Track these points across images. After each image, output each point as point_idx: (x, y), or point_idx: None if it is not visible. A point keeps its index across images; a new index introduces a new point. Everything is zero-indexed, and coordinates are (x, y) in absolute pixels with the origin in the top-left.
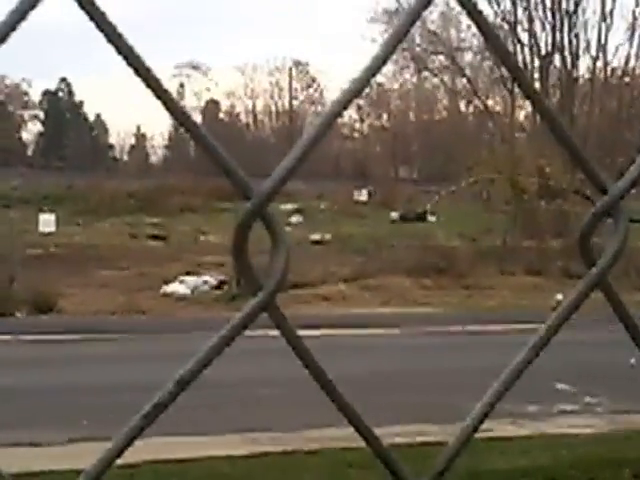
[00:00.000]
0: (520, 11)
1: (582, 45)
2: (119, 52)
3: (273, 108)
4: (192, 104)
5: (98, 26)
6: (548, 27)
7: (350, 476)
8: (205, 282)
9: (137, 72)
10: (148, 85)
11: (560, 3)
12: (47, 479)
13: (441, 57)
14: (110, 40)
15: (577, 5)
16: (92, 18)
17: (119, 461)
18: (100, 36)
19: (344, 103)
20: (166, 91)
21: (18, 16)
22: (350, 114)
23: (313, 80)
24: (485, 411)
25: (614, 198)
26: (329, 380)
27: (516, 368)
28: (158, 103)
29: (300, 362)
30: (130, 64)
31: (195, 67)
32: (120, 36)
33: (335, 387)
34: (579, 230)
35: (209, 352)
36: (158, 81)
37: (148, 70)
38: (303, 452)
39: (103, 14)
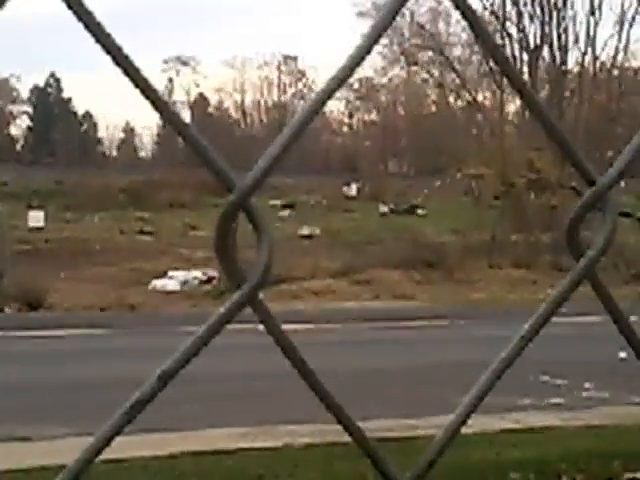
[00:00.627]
0: (509, 5)
1: (571, 39)
2: (107, 52)
3: (262, 103)
4: (181, 99)
5: (86, 26)
6: (537, 21)
7: (340, 470)
8: (194, 277)
9: (125, 72)
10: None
11: None
12: (37, 475)
13: (430, 51)
14: (98, 40)
15: None
16: (80, 18)
17: (109, 456)
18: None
19: (328, 92)
20: (153, 89)
21: None
22: (339, 108)
23: (302, 75)
24: (474, 403)
25: (602, 189)
26: (313, 375)
27: (505, 359)
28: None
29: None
30: (118, 64)
31: (184, 63)
32: (108, 36)
33: (319, 381)
34: (567, 221)
35: (191, 347)
36: (146, 80)
37: (136, 69)
38: (293, 447)
39: (90, 14)
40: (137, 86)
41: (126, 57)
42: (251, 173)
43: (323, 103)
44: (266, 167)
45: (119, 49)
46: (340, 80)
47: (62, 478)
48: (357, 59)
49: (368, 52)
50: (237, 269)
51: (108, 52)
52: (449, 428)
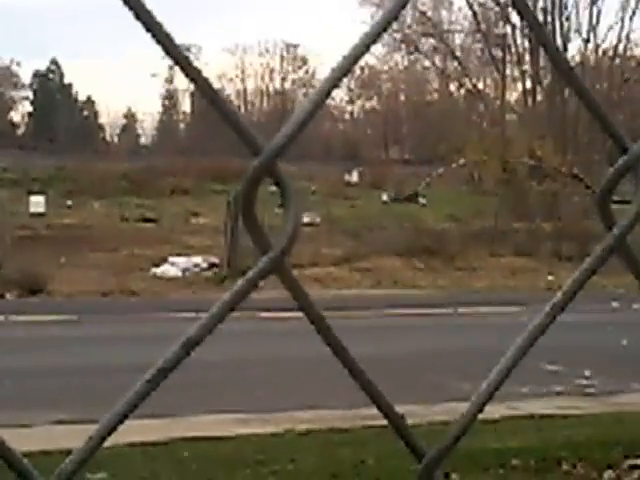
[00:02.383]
0: None
1: (573, 27)
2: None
3: (264, 90)
4: (183, 86)
5: None
6: (539, 9)
7: (340, 456)
8: (196, 264)
9: (153, 35)
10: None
11: None
12: (36, 460)
13: (432, 39)
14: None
15: None
16: None
17: (108, 442)
18: (90, 18)
19: (354, 58)
20: (185, 56)
21: None
22: (340, 96)
23: (304, 62)
24: (493, 388)
25: (634, 157)
26: (342, 346)
27: (532, 332)
28: (148, 84)
29: (311, 325)
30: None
31: (187, 49)
32: None
33: (345, 350)
34: (599, 190)
35: (216, 314)
36: (176, 46)
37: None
38: (294, 433)
39: None
40: (167, 53)
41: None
42: (278, 136)
43: (349, 69)
44: (293, 131)
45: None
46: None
47: (88, 443)
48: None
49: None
50: (263, 235)
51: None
52: (474, 405)
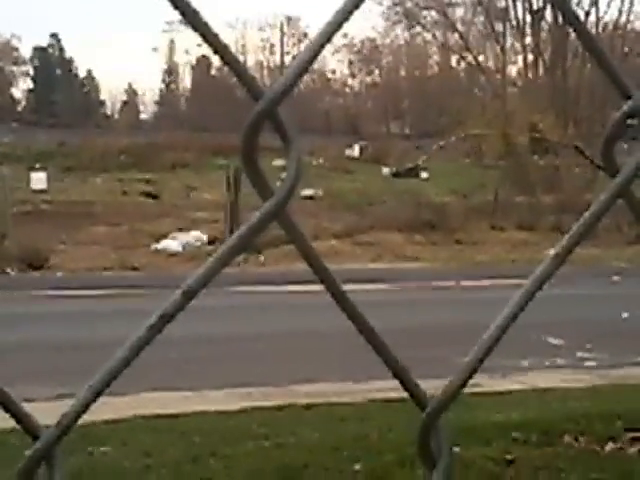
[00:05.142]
0: None
1: (574, 0)
2: None
3: (265, 64)
4: (183, 60)
5: None
6: None
7: (343, 430)
8: (197, 239)
9: None
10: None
11: None
12: None
13: (433, 12)
14: None
15: None
16: None
17: (111, 416)
18: None
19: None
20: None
21: None
22: (341, 69)
23: (305, 35)
24: (489, 344)
25: (638, 103)
26: (343, 293)
27: (539, 276)
28: (149, 59)
29: (311, 270)
30: None
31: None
32: None
33: (349, 299)
34: (603, 136)
35: (215, 262)
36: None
37: None
38: (296, 407)
39: None
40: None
41: None
42: (279, 80)
43: (350, 13)
44: (294, 75)
45: None
46: None
47: (88, 390)
48: None
49: None
50: (264, 181)
51: None
52: (476, 353)
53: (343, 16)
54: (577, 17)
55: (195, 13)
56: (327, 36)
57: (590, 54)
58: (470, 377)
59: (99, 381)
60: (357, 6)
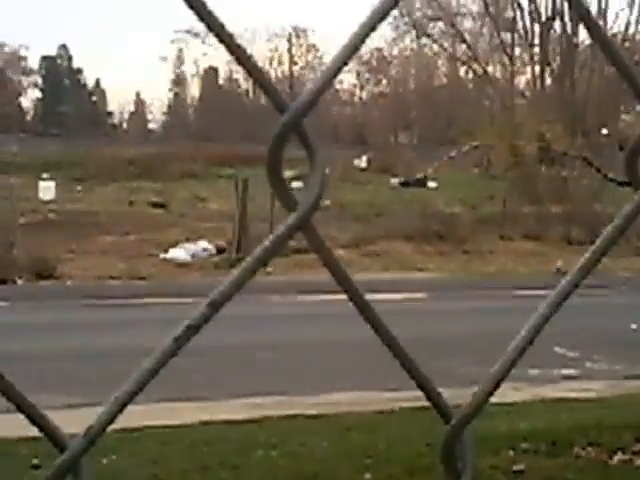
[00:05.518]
0: None
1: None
2: None
3: (272, 74)
4: (191, 71)
5: None
6: None
7: (350, 439)
8: (204, 249)
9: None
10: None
11: None
12: (43, 444)
13: (440, 23)
14: None
15: None
16: None
17: (119, 425)
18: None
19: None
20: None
21: None
22: (349, 80)
23: (312, 46)
24: (514, 355)
25: None
26: (366, 302)
27: (565, 287)
28: (157, 69)
29: (337, 284)
30: None
31: (196, 34)
32: None
33: (371, 308)
34: (628, 147)
35: (242, 274)
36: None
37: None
38: (304, 416)
39: None
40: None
41: None
42: (305, 92)
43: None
44: (319, 87)
45: None
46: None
47: (115, 402)
48: None
49: None
50: (288, 193)
51: None
52: (501, 366)
53: (368, 29)
54: (591, 16)
55: (222, 27)
56: (353, 48)
57: (608, 57)
58: (496, 388)
59: (125, 392)
60: (383, 18)
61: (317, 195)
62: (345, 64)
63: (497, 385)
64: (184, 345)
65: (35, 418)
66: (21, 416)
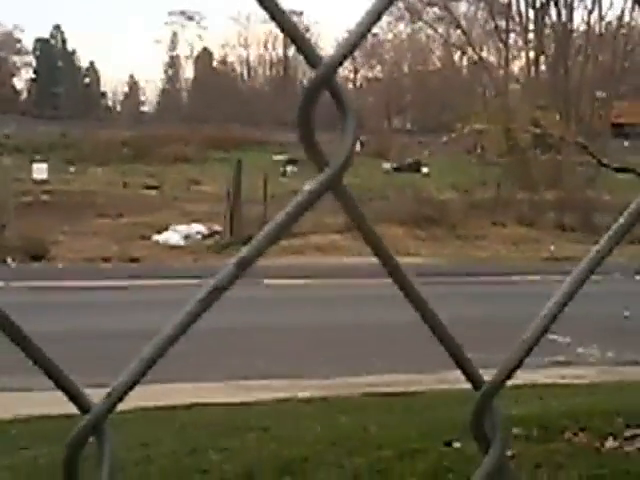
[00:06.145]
0: None
1: None
2: None
3: (267, 57)
4: (185, 53)
5: None
6: None
7: (342, 423)
8: (197, 232)
9: None
10: None
11: None
12: (38, 424)
13: (435, 8)
14: None
15: None
16: None
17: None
18: None
19: None
20: None
21: None
22: (343, 64)
23: (307, 29)
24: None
25: None
26: (396, 263)
27: (590, 263)
28: (151, 51)
29: (367, 245)
30: None
31: (190, 17)
32: None
33: (401, 269)
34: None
35: (272, 232)
36: None
37: None
38: (296, 400)
39: None
40: None
41: None
42: (339, 46)
43: None
44: (353, 42)
45: None
46: None
47: (139, 364)
48: None
49: None
50: (319, 151)
51: None
52: (531, 334)
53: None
54: None
55: None
56: (380, 9)
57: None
58: (526, 356)
59: (149, 353)
60: None
61: (348, 155)
62: (379, 18)
63: (527, 352)
64: (209, 307)
65: (60, 381)
66: (10, 396)
